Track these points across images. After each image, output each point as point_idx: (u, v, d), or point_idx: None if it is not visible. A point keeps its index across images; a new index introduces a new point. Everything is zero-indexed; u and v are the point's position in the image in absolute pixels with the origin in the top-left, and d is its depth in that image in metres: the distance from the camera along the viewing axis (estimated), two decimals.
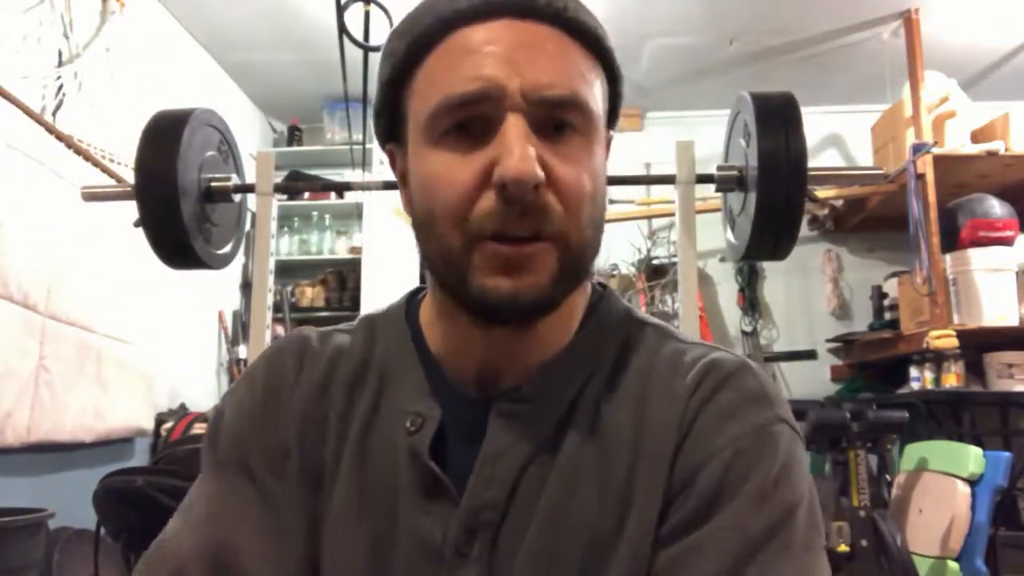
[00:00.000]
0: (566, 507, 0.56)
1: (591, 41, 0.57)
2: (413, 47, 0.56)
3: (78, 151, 2.35)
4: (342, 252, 4.13)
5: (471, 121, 0.53)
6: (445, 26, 0.54)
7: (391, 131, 0.62)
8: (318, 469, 0.61)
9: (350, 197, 4.00)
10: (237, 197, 1.85)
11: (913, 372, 3.22)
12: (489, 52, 0.53)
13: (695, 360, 0.60)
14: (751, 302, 4.10)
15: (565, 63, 0.55)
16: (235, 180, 1.80)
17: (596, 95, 0.57)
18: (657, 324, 0.65)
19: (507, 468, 0.57)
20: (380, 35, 2.29)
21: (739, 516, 0.52)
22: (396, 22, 0.60)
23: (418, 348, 0.64)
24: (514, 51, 0.53)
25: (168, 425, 2.90)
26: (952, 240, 3.21)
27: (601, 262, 3.95)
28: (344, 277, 4.06)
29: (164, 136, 1.63)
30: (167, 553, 0.59)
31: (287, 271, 3.89)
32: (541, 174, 0.51)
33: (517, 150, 0.51)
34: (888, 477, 2.70)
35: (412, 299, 0.69)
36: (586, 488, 0.56)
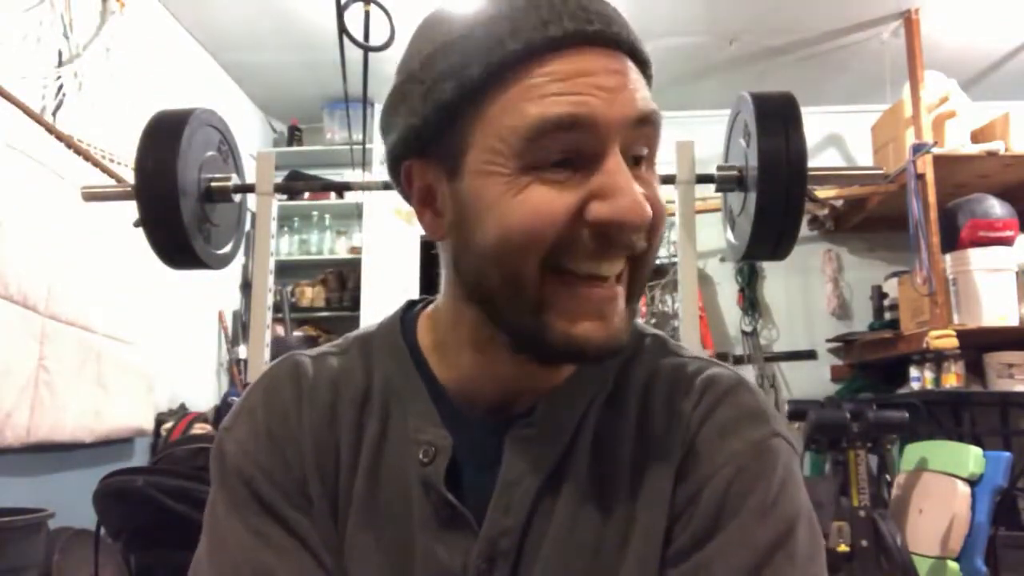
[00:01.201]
0: (574, 528, 0.57)
1: (649, 74, 0.57)
2: (491, 69, 0.51)
3: (78, 151, 2.35)
4: (342, 252, 4.14)
5: (571, 151, 0.51)
6: (532, 50, 0.51)
7: (419, 147, 0.56)
8: (334, 498, 0.60)
9: (350, 197, 4.00)
10: (237, 197, 1.85)
11: (913, 372, 3.22)
12: (586, 81, 0.51)
13: (694, 376, 0.61)
14: (751, 302, 4.10)
15: (645, 91, 0.54)
16: (235, 180, 1.80)
17: None
18: (655, 334, 0.66)
19: (523, 495, 0.57)
20: (380, 35, 2.29)
21: (744, 532, 0.53)
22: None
23: (420, 371, 0.62)
24: (607, 80, 0.51)
25: (168, 425, 2.90)
26: (952, 240, 3.21)
27: None
28: (344, 277, 4.06)
29: (164, 136, 1.63)
30: None
31: (287, 271, 3.89)
32: (651, 214, 0.51)
33: (629, 190, 0.50)
34: (888, 477, 2.69)
35: (406, 315, 0.67)
36: (592, 507, 0.57)
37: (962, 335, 2.96)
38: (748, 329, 4.08)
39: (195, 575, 0.58)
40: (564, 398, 0.60)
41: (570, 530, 0.56)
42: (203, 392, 3.50)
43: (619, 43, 0.53)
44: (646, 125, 0.53)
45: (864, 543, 2.26)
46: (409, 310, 0.68)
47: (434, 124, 0.54)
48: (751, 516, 0.53)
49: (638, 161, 0.54)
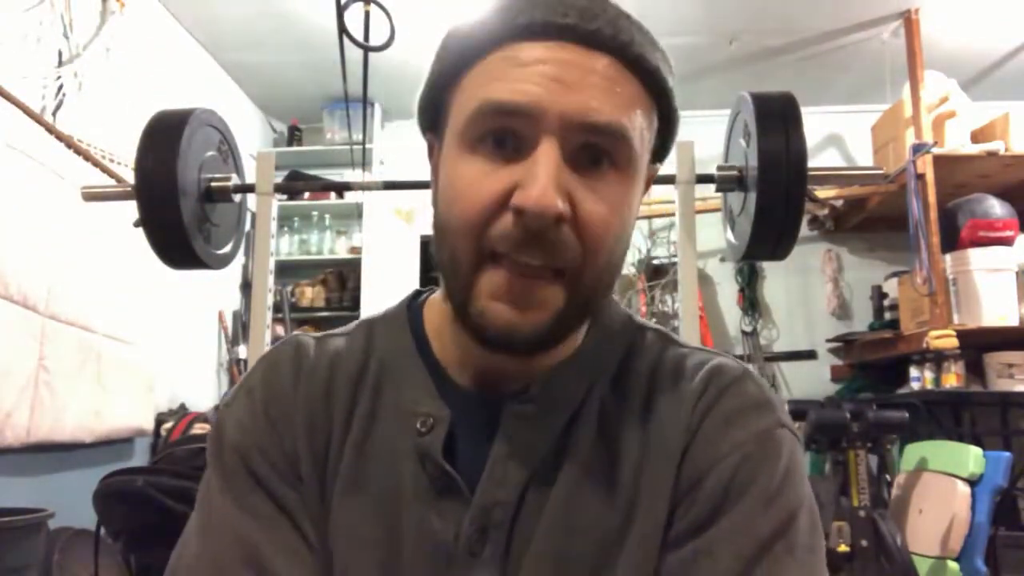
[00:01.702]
0: (574, 507, 0.57)
1: (650, 79, 0.55)
2: (467, 50, 0.55)
3: (78, 151, 2.35)
4: (342, 252, 4.14)
5: (506, 135, 0.52)
6: (504, 37, 0.53)
7: (432, 121, 0.62)
8: (323, 475, 0.60)
9: (350, 197, 4.00)
10: (237, 197, 1.85)
11: (913, 372, 3.22)
12: (539, 70, 0.51)
13: (699, 365, 0.61)
14: (751, 302, 4.10)
15: (615, 94, 0.52)
16: (235, 180, 1.79)
17: (642, 133, 0.55)
18: (657, 329, 0.67)
19: (518, 468, 0.57)
20: (380, 35, 2.29)
21: (746, 519, 0.53)
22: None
23: (421, 351, 0.63)
24: (564, 73, 0.51)
25: (168, 425, 2.90)
26: (952, 240, 3.21)
27: None
28: (344, 277, 4.06)
29: (164, 136, 1.63)
30: None
31: (287, 271, 3.89)
32: (562, 208, 0.50)
33: (542, 179, 0.50)
34: (888, 477, 2.69)
35: (413, 302, 0.68)
36: (594, 489, 0.57)
37: (962, 335, 2.96)
38: (748, 329, 4.08)
39: (181, 553, 0.59)
40: (562, 378, 0.60)
41: (569, 509, 0.57)
42: (203, 392, 3.50)
43: (598, 41, 0.52)
44: (603, 134, 0.52)
45: (864, 543, 2.26)
46: (417, 296, 0.69)
47: (429, 99, 0.60)
48: (753, 505, 0.54)
49: (597, 163, 0.53)
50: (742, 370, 0.61)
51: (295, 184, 3.24)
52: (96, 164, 2.41)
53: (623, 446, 0.58)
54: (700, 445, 0.57)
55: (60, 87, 2.42)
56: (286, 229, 4.14)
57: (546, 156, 0.51)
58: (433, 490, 0.58)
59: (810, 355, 4.08)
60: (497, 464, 0.57)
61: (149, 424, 2.94)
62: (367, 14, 2.34)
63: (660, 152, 0.62)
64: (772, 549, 0.52)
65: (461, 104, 0.55)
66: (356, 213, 4.06)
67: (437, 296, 0.66)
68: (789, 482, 0.55)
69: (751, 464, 0.55)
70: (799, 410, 2.55)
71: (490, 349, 0.56)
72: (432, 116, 0.61)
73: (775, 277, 4.14)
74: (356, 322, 0.69)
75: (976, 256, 3.11)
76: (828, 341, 4.00)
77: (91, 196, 1.87)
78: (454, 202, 0.54)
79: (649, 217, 4.03)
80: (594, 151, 0.53)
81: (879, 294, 3.83)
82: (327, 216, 4.17)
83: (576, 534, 0.56)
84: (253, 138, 4.11)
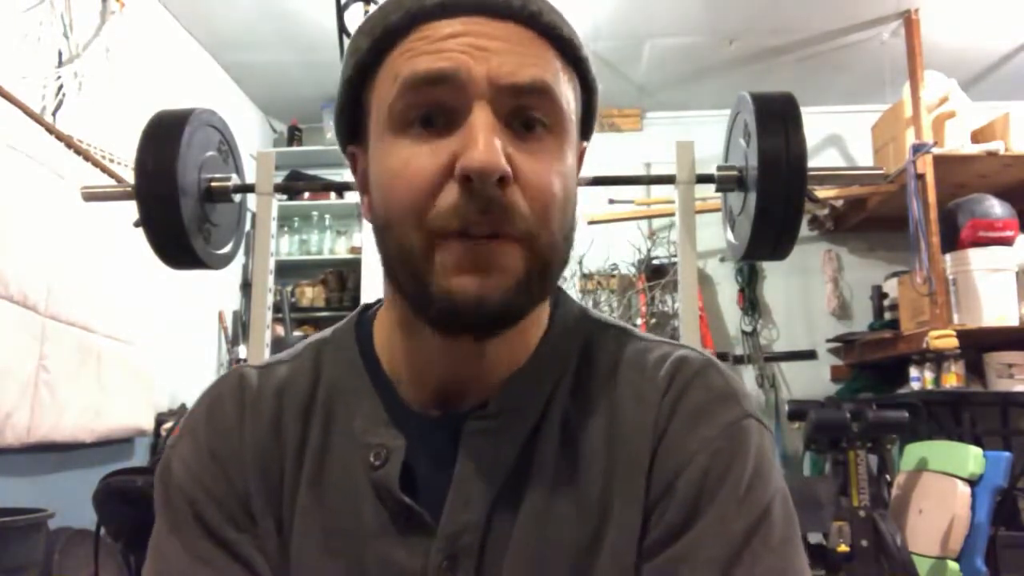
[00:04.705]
0: (545, 522, 0.55)
1: (566, 47, 0.55)
2: (378, 42, 0.54)
3: (78, 151, 2.35)
4: (342, 252, 4.14)
5: (435, 111, 0.51)
6: (412, 20, 0.53)
7: (352, 132, 0.61)
8: (278, 513, 0.58)
9: (350, 197, 3.99)
10: (237, 197, 1.85)
11: (913, 372, 3.22)
12: (456, 42, 0.51)
13: (661, 360, 0.59)
14: (751, 302, 4.10)
15: (535, 57, 0.53)
16: (235, 180, 1.79)
17: (568, 94, 0.55)
18: (616, 324, 0.64)
19: (483, 488, 0.55)
20: None
21: (720, 521, 0.52)
22: None
23: (370, 372, 0.60)
24: (483, 41, 0.51)
25: (168, 425, 2.90)
26: (952, 240, 3.21)
27: (601, 262, 3.95)
28: (344, 277, 4.07)
29: (164, 136, 1.63)
30: None
31: (287, 271, 3.89)
32: (506, 167, 0.49)
33: (482, 140, 0.49)
34: (888, 477, 2.69)
35: (362, 317, 0.66)
36: (563, 500, 0.55)
37: (962, 335, 2.96)
38: (748, 329, 4.08)
39: None
40: (520, 388, 0.58)
41: (538, 525, 0.55)
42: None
43: (510, 11, 0.52)
44: (531, 93, 0.52)
45: (864, 543, 2.26)
46: (367, 310, 0.66)
47: (345, 102, 0.59)
48: (726, 505, 0.53)
49: (531, 128, 0.52)
50: (705, 361, 0.59)
51: (295, 184, 3.25)
52: (96, 164, 2.41)
53: (589, 453, 0.56)
54: (668, 446, 0.55)
55: (60, 87, 2.42)
56: (286, 229, 4.14)
57: (481, 119, 0.50)
58: (395, 525, 0.55)
59: (810, 355, 4.08)
60: (461, 487, 0.55)
61: (149, 424, 2.94)
62: (367, 14, 2.34)
63: (586, 129, 0.61)
64: (749, 547, 0.52)
65: (382, 94, 0.54)
66: (356, 213, 4.06)
67: (385, 308, 0.63)
68: (759, 477, 0.54)
69: (720, 462, 0.54)
70: (799, 410, 2.55)
71: (459, 329, 0.53)
72: (351, 123, 0.60)
73: (775, 277, 4.14)
74: (303, 344, 0.66)
75: (976, 256, 3.12)
76: (828, 341, 4.00)
77: (91, 196, 1.87)
78: (392, 188, 0.52)
79: (649, 217, 4.03)
80: (526, 116, 0.52)
81: (879, 294, 3.82)
82: (327, 216, 4.17)
83: (548, 549, 0.54)
84: (253, 138, 4.11)
